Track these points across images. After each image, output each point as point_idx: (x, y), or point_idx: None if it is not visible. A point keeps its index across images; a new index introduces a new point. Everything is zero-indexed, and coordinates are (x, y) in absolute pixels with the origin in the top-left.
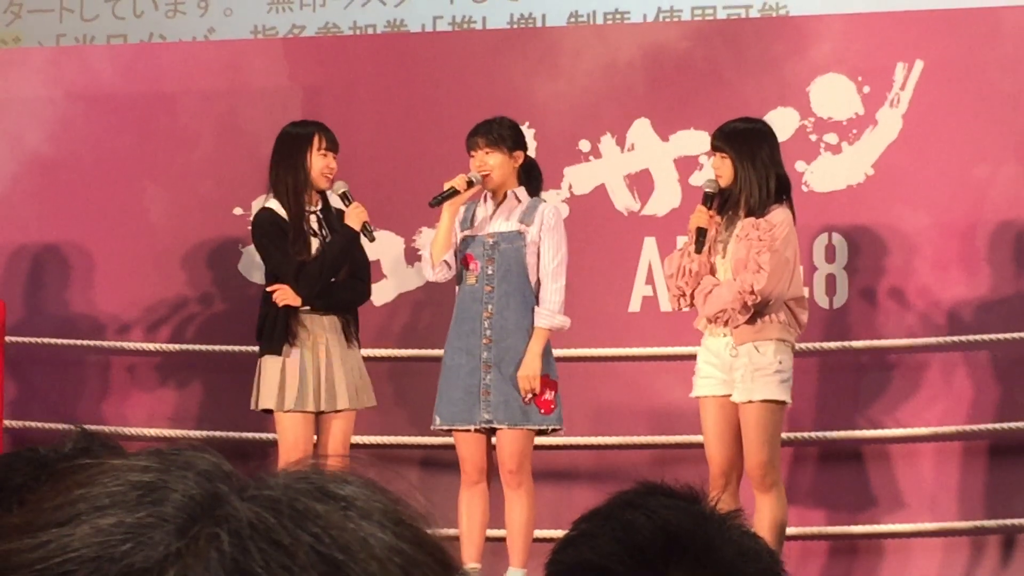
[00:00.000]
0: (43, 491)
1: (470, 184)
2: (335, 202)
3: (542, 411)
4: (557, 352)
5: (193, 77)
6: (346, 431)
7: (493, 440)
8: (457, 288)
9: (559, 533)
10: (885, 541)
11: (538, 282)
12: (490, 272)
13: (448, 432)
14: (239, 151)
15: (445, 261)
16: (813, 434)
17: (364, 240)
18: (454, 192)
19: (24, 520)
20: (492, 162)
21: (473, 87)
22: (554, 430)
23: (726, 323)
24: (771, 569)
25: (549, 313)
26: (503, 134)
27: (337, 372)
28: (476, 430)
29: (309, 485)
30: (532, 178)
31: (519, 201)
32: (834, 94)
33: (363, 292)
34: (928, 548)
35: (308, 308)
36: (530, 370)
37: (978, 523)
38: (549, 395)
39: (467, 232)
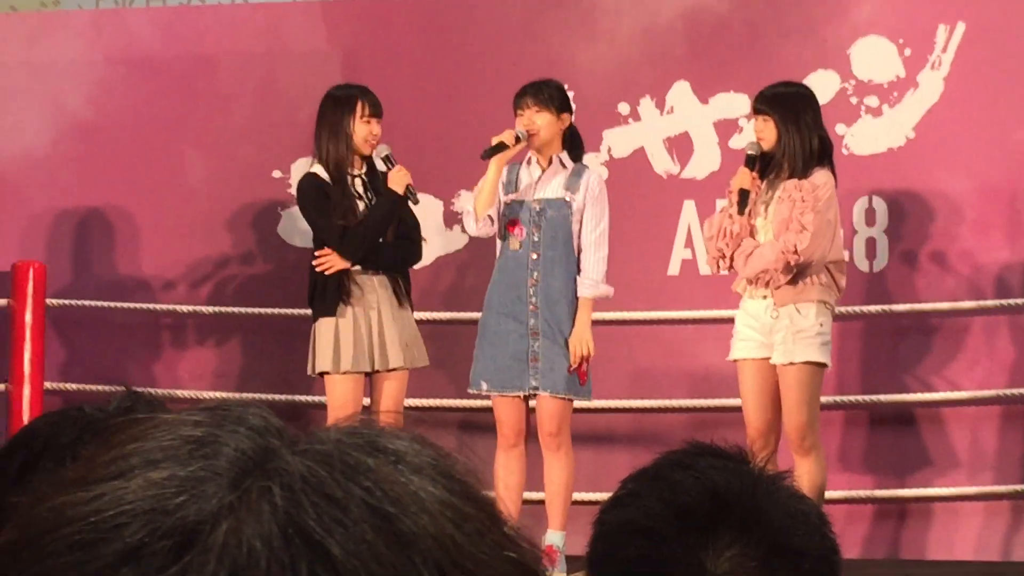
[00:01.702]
0: (96, 446)
1: (517, 140)
2: (379, 165)
3: (580, 382)
4: (595, 316)
5: (232, 40)
6: (400, 390)
7: (532, 404)
8: (499, 251)
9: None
10: (926, 505)
11: (580, 250)
12: (536, 239)
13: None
14: (278, 114)
15: (489, 216)
16: (850, 397)
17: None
18: (503, 146)
19: (78, 474)
20: (540, 121)
21: (512, 50)
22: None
23: (767, 284)
24: (819, 530)
25: (592, 283)
26: (552, 95)
27: (389, 331)
28: (522, 396)
29: (360, 439)
30: (575, 145)
31: (564, 167)
32: (875, 57)
33: (414, 252)
34: (968, 512)
35: (359, 268)
36: (582, 339)
37: (1018, 487)
38: (585, 366)
39: (512, 196)
